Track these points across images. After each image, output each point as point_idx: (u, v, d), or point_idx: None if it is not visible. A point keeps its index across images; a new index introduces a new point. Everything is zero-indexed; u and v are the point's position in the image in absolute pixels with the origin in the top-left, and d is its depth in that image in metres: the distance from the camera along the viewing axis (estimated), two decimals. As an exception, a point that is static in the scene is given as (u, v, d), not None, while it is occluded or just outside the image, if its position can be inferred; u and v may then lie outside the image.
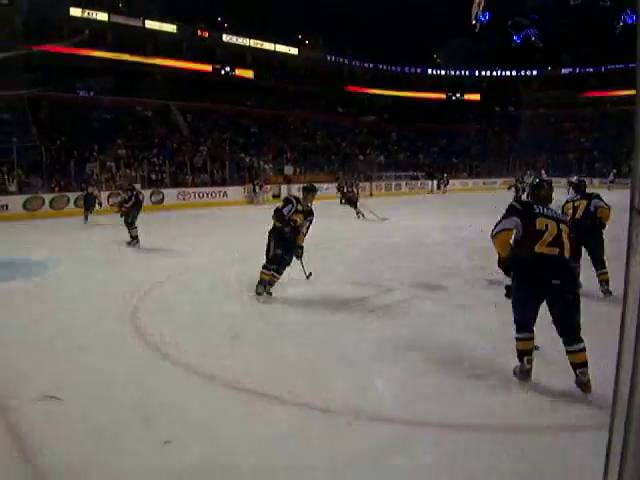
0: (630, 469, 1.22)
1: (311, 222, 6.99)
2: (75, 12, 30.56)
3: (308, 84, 40.61)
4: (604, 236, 6.53)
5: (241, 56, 39.04)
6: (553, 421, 3.59)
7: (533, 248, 3.87)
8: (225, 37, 38.00)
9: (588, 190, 6.86)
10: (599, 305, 6.04)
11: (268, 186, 25.92)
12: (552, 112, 46.46)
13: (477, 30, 38.58)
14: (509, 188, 21.64)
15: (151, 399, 3.95)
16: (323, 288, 7.41)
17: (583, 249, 6.41)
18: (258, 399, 3.94)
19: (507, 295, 4.52)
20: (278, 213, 6.72)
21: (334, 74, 44.34)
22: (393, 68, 48.85)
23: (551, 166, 38.52)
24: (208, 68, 36.55)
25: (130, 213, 11.33)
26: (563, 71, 49.23)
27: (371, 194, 29.96)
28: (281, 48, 41.24)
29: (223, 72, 37.63)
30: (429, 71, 50.87)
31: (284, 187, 26.46)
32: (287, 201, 6.93)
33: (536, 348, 4.17)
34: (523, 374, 4.08)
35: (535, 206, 4.05)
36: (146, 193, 20.96)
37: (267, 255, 6.79)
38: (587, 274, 6.49)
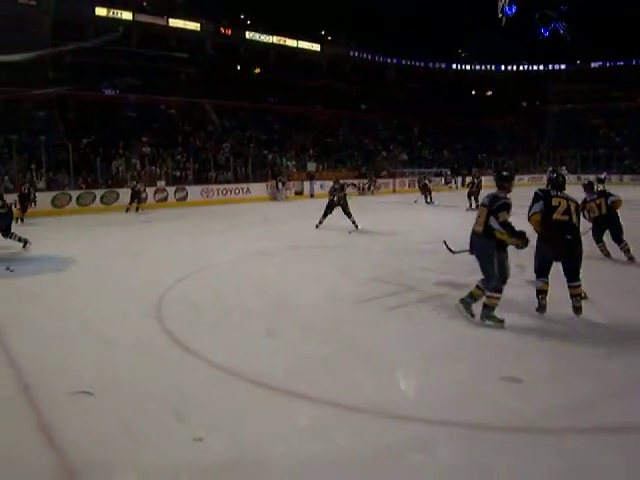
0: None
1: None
2: (100, 12, 30.98)
3: (331, 80, 40.38)
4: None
5: (264, 53, 39.07)
6: (578, 424, 3.55)
7: (551, 217, 5.60)
8: (248, 34, 38.08)
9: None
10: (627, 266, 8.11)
11: (291, 183, 25.92)
12: (581, 107, 45.49)
13: (503, 24, 37.85)
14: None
15: (176, 394, 3.96)
16: (348, 285, 7.36)
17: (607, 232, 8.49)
18: (282, 396, 3.94)
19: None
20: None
21: (357, 70, 44.07)
22: (417, 63, 48.30)
23: (580, 163, 38.23)
24: (231, 65, 36.65)
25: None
26: (592, 65, 48.20)
27: (394, 190, 29.82)
28: (304, 44, 41.16)
29: (246, 69, 37.73)
30: (453, 66, 50.18)
31: (307, 184, 26.46)
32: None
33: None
34: (541, 308, 5.73)
35: (551, 191, 5.81)
36: (170, 190, 21.46)
37: (500, 274, 5.37)
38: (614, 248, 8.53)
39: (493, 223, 5.25)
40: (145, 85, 31.02)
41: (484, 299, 5.43)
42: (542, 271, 5.77)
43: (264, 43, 39.08)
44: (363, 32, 41.35)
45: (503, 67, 50.38)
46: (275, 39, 39.47)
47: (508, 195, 5.46)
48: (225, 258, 9.44)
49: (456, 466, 3.09)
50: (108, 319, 5.90)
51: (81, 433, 3.44)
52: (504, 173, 5.86)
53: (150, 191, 20.87)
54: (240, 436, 3.38)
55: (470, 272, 7.57)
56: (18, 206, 16.04)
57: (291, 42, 40.38)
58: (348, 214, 12.53)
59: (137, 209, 18.35)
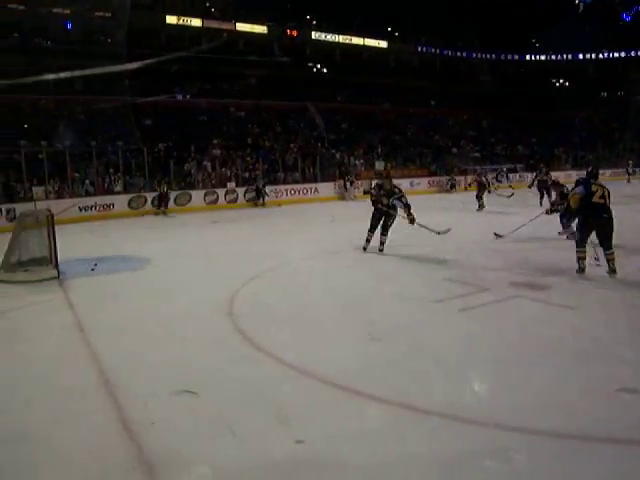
0: None
1: None
2: (171, 20, 31.95)
3: (399, 77, 39.80)
4: None
5: (330, 52, 39.04)
6: None
7: (591, 199, 7.16)
8: (314, 34, 38.17)
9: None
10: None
11: (359, 182, 25.68)
12: None
13: (581, 10, 35.98)
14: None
15: (244, 391, 4.02)
16: (418, 285, 7.26)
17: None
18: (353, 396, 3.92)
19: None
20: None
21: (425, 66, 43.26)
22: (488, 56, 46.64)
23: None
24: (298, 66, 36.86)
25: None
26: (680, 50, 44.81)
27: (466, 188, 29.06)
28: (370, 42, 40.77)
29: (313, 69, 37.88)
30: (527, 57, 48.21)
31: (375, 182, 26.05)
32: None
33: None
34: (580, 270, 7.38)
35: (590, 180, 7.39)
36: (240, 191, 21.78)
37: None
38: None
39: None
40: (215, 89, 31.71)
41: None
42: (582, 242, 7.41)
43: (330, 42, 39.00)
44: (430, 27, 40.50)
45: (581, 56, 47.44)
46: (341, 38, 39.31)
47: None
48: (294, 257, 9.49)
49: (530, 474, 3.01)
50: (183, 317, 6.05)
51: (159, 429, 3.52)
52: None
53: (221, 192, 21.29)
54: (311, 435, 3.38)
55: (544, 273, 7.61)
56: (156, 203, 19.06)
57: (357, 40, 40.10)
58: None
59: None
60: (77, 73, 23.34)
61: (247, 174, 23.93)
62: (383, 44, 41.54)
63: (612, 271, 7.12)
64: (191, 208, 19.65)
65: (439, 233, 9.22)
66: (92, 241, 12.60)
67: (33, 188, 18.07)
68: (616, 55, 46.79)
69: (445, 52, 45.04)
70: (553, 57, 48.11)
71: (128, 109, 25.50)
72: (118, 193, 19.69)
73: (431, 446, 3.28)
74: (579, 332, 5.15)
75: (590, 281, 7.18)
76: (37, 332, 5.74)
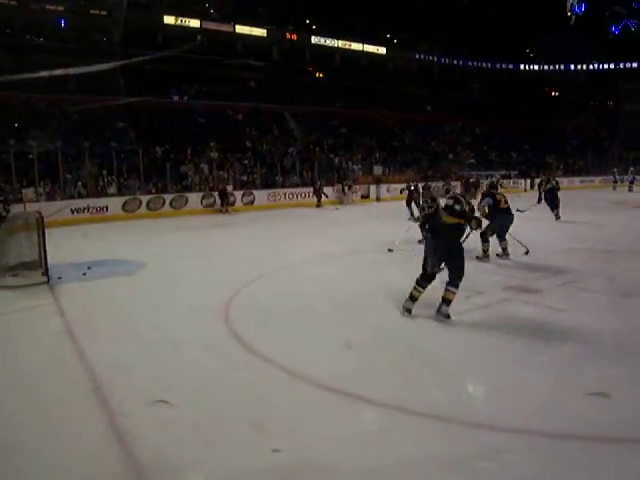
0: None
1: None
2: (169, 20, 31.50)
3: (397, 83, 39.72)
4: None
5: (330, 57, 38.83)
6: None
7: (499, 206, 9.02)
8: (314, 39, 37.93)
9: None
10: None
11: (357, 186, 25.40)
12: None
13: (572, 22, 36.37)
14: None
15: (241, 396, 4.01)
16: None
17: None
18: (348, 399, 3.94)
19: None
20: None
21: (423, 73, 43.24)
22: (484, 64, 47.10)
23: None
24: (297, 70, 36.59)
25: None
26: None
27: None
28: (369, 48, 40.69)
29: (312, 74, 37.68)
30: (522, 66, 48.73)
31: (373, 187, 25.90)
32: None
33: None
34: (505, 255, 9.28)
35: (493, 191, 9.42)
36: (238, 194, 21.29)
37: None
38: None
39: None
40: (213, 91, 31.29)
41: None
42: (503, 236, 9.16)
43: (330, 47, 38.86)
44: (428, 35, 40.64)
45: (572, 66, 48.55)
46: (340, 43, 39.18)
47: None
48: (292, 261, 9.41)
49: (527, 475, 3.04)
50: (178, 322, 5.98)
51: (150, 435, 3.47)
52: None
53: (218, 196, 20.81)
54: (307, 438, 3.39)
55: (536, 277, 7.91)
56: (218, 201, 19.99)
57: (356, 46, 40.02)
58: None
59: (226, 210, 19.68)
60: (70, 72, 22.81)
61: (245, 177, 23.48)
62: (382, 50, 41.51)
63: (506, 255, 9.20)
64: (188, 211, 19.15)
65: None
66: (85, 244, 12.32)
67: (23, 189, 17.47)
68: (606, 66, 47.85)
69: (442, 60, 45.34)
70: (546, 67, 48.97)
71: (123, 110, 24.98)
72: (112, 195, 19.14)
73: (425, 449, 3.29)
74: (571, 334, 5.25)
75: (580, 284, 7.36)
76: (26, 339, 5.57)
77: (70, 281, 8.12)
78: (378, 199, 25.37)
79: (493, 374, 4.41)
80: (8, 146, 19.23)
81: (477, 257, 8.98)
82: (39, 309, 6.64)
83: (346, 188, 24.03)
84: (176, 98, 31.09)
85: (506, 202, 9.17)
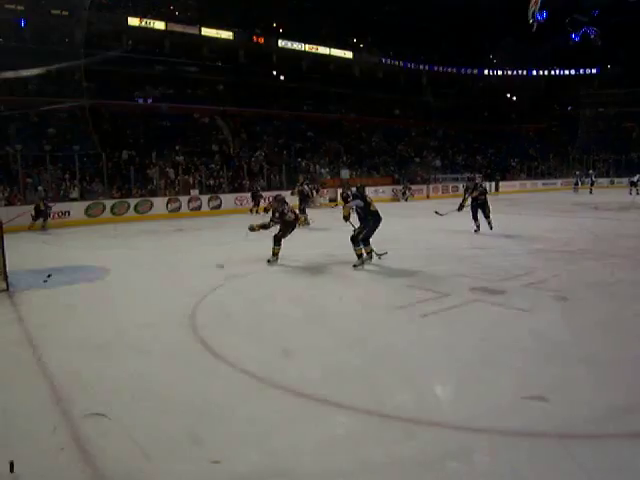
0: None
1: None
2: (133, 22, 30.94)
3: (364, 88, 39.94)
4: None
5: (296, 61, 38.83)
6: (619, 429, 3.47)
7: (370, 208, 8.93)
8: (280, 42, 37.85)
9: None
10: None
11: (324, 190, 25.44)
12: (613, 111, 44.74)
13: (534, 29, 37.04)
14: None
15: (208, 404, 3.94)
16: (382, 292, 7.33)
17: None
18: (316, 404, 3.90)
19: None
20: None
21: (389, 77, 43.60)
22: (449, 69, 47.80)
23: (613, 165, 38.53)
24: (264, 74, 36.49)
25: None
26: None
27: (428, 196, 29.28)
28: (336, 52, 40.78)
29: (279, 77, 37.63)
30: (485, 72, 49.67)
31: (340, 191, 25.96)
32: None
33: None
34: (361, 264, 8.88)
35: (364, 194, 9.18)
36: (204, 199, 21.07)
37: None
38: None
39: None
40: (178, 94, 30.94)
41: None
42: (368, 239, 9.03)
43: (296, 51, 38.79)
44: (395, 40, 40.96)
45: (534, 72, 49.85)
46: (307, 47, 39.16)
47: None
48: (259, 267, 9.26)
49: (493, 473, 3.05)
50: (142, 329, 5.83)
51: (112, 448, 3.36)
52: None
53: (184, 200, 20.54)
54: (272, 445, 3.35)
55: (505, 278, 7.80)
56: (252, 203, 20.32)
57: (323, 50, 40.01)
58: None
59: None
60: (30, 73, 22.26)
61: (211, 181, 23.27)
62: (349, 54, 41.66)
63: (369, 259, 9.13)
64: (152, 216, 18.84)
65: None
66: (46, 251, 12.07)
67: (-20, 194, 16.98)
68: (566, 72, 49.28)
69: (408, 65, 45.70)
70: (509, 72, 49.92)
71: (85, 112, 24.47)
72: (74, 200, 18.70)
73: (393, 451, 3.26)
74: (536, 334, 5.29)
75: (542, 285, 7.45)
76: None
77: (30, 288, 7.87)
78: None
79: (459, 375, 4.43)
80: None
81: (354, 265, 8.79)
82: None
83: (314, 192, 23.98)
84: (140, 101, 30.59)
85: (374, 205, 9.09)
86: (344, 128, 37.06)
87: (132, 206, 18.90)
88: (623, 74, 46.01)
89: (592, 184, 30.82)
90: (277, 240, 9.39)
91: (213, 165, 25.06)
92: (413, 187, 29.32)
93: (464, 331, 5.50)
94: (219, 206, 21.54)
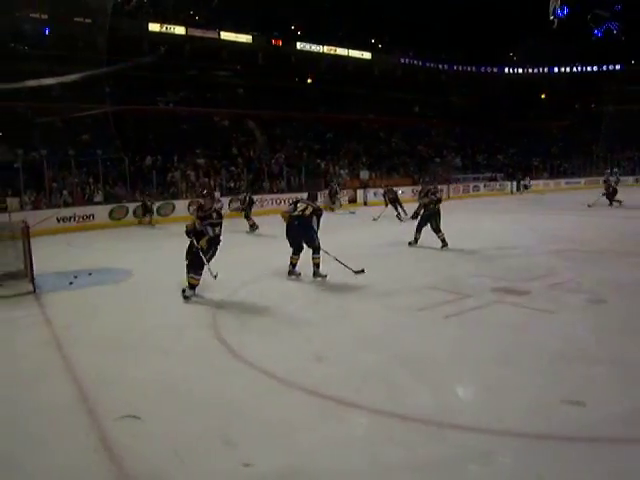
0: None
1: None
2: (154, 27, 31.35)
3: (383, 88, 39.85)
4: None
5: (315, 63, 38.92)
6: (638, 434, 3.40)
7: (293, 214, 8.39)
8: (299, 45, 37.99)
9: None
10: None
11: (344, 191, 25.49)
12: (637, 107, 43.44)
13: (555, 26, 36.87)
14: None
15: (231, 405, 3.96)
16: (403, 294, 7.25)
17: None
18: (337, 405, 3.90)
19: None
20: None
21: (408, 77, 43.42)
22: (469, 68, 47.38)
23: (638, 163, 37.76)
24: (283, 76, 36.63)
25: None
26: (649, 64, 46.01)
27: (449, 196, 29.06)
28: (354, 53, 40.78)
29: (298, 80, 37.76)
30: (506, 70, 49.09)
31: (360, 192, 26.01)
32: None
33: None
34: (293, 273, 8.51)
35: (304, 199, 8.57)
36: (224, 201, 21.22)
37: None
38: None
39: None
40: (198, 98, 31.21)
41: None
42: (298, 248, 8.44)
43: (315, 53, 38.86)
44: (414, 39, 40.75)
45: (556, 69, 48.97)
46: (326, 49, 39.23)
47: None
48: (280, 268, 9.19)
49: (517, 477, 3.02)
50: (165, 331, 5.93)
51: (137, 448, 3.41)
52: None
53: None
54: (293, 446, 3.37)
55: (523, 279, 7.72)
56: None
57: (342, 51, 40.04)
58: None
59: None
60: (55, 79, 22.66)
61: (232, 184, 23.46)
62: (367, 55, 41.58)
63: (315, 274, 8.28)
64: (175, 218, 19.07)
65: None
66: (71, 253, 12.29)
67: (7, 199, 17.32)
68: (589, 69, 48.24)
69: (427, 64, 45.40)
70: (530, 70, 49.16)
71: (108, 117, 24.84)
72: (98, 203, 19.05)
73: (413, 453, 3.25)
74: (559, 336, 5.25)
75: (567, 285, 7.40)
76: (12, 350, 5.52)
77: (56, 290, 8.07)
78: (365, 203, 25.51)
79: (482, 376, 4.40)
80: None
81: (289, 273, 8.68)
82: (25, 319, 6.59)
83: (338, 188, 24.10)
84: (162, 105, 30.95)
85: (301, 212, 8.38)
86: (363, 129, 36.98)
87: (155, 209, 19.14)
88: (647, 70, 45.30)
89: (617, 182, 30.37)
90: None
91: (234, 168, 25.26)
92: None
93: (487, 333, 5.46)
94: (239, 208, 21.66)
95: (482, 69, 48.16)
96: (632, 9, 37.73)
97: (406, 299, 6.91)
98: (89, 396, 4.17)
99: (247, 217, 15.97)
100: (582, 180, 35.17)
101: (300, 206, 8.42)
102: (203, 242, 7.22)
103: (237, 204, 17.60)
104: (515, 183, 32.34)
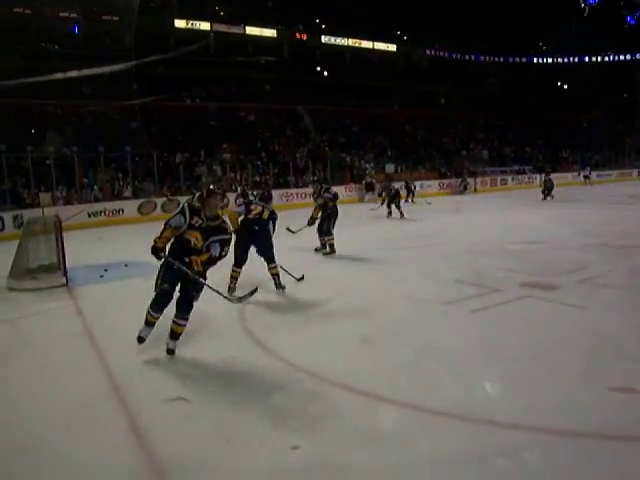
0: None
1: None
2: (180, 23, 31.75)
3: (408, 80, 39.55)
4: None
5: (340, 56, 38.84)
6: None
7: (249, 216, 7.24)
8: (324, 38, 37.97)
9: None
10: None
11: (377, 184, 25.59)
12: None
13: (586, 14, 36.10)
14: None
15: (260, 397, 3.99)
16: (430, 287, 7.19)
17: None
18: (364, 398, 3.91)
19: None
20: None
21: (434, 69, 43.02)
22: (496, 59, 46.67)
23: None
24: (308, 70, 36.67)
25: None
26: (684, 52, 44.61)
27: (475, 190, 28.78)
28: (379, 45, 40.63)
29: (323, 73, 37.76)
30: (535, 60, 48.20)
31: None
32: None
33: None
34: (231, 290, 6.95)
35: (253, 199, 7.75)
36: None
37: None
38: None
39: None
40: (224, 93, 31.45)
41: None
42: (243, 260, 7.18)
43: (340, 46, 38.87)
44: (439, 30, 40.36)
45: (587, 58, 47.74)
46: (351, 42, 39.18)
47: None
48: (304, 261, 9.24)
49: (543, 473, 2.99)
50: (194, 323, 5.80)
51: (171, 436, 3.47)
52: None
53: (232, 197, 20.95)
54: (325, 438, 3.38)
55: (553, 273, 7.60)
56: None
57: (367, 44, 39.99)
58: None
59: None
60: (84, 77, 23.08)
61: (258, 178, 23.64)
62: (392, 47, 41.45)
63: (278, 286, 7.26)
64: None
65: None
66: (101, 247, 12.51)
67: (40, 194, 17.79)
68: (621, 57, 47.03)
69: (453, 55, 45.03)
70: (559, 60, 48.26)
71: (136, 113, 25.25)
72: (127, 198, 19.42)
73: (442, 447, 3.25)
74: (589, 331, 5.18)
75: (598, 280, 7.27)
76: (46, 340, 5.66)
77: (88, 283, 8.26)
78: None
79: (510, 371, 4.35)
80: (26, 152, 19.55)
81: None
82: (58, 311, 6.75)
83: (372, 181, 24.58)
84: (188, 101, 31.29)
85: (258, 215, 7.28)
86: (388, 122, 36.71)
87: (181, 203, 19.39)
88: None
89: None
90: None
91: (259, 162, 25.43)
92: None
93: (515, 327, 5.41)
94: (266, 202, 21.86)
95: (510, 59, 47.36)
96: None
97: (433, 293, 6.85)
98: (121, 385, 4.27)
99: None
100: (614, 172, 34.39)
101: (255, 208, 7.35)
102: (198, 263, 4.89)
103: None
104: (544, 175, 31.75)
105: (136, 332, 5.22)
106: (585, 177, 31.01)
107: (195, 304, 5.06)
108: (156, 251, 4.84)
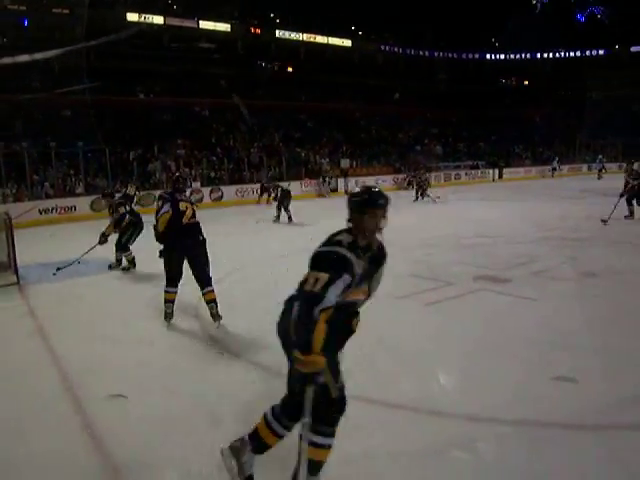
0: None
1: None
2: (132, 17, 31.30)
3: (363, 76, 39.93)
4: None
5: (295, 51, 38.93)
6: (628, 420, 3.44)
7: (180, 221, 5.60)
8: (278, 33, 37.98)
9: None
10: None
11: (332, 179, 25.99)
12: (621, 93, 43.12)
13: (538, 10, 37.07)
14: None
15: (212, 394, 4.00)
16: (385, 281, 7.05)
17: None
18: None
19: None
20: None
21: (389, 64, 43.54)
22: (450, 55, 47.51)
23: (622, 151, 36.65)
24: (263, 65, 36.68)
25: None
26: (633, 49, 45.94)
27: (429, 185, 29.19)
28: (334, 41, 40.84)
29: (277, 68, 37.77)
30: (487, 56, 49.21)
31: (341, 180, 26.28)
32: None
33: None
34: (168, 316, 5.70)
35: (176, 194, 5.81)
36: (205, 191, 21.48)
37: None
38: None
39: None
40: (178, 87, 31.22)
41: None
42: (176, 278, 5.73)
43: (294, 41, 38.92)
44: (393, 26, 40.85)
45: (539, 55, 48.94)
46: (305, 37, 39.28)
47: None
48: (262, 258, 9.32)
49: (497, 464, 3.04)
50: (149, 320, 5.94)
51: (125, 434, 3.47)
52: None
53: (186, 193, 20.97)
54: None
55: (505, 266, 7.77)
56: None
57: (321, 39, 40.15)
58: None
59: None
60: (34, 71, 22.63)
61: (212, 174, 23.68)
62: (347, 43, 41.68)
63: (215, 316, 5.63)
64: (155, 209, 19.23)
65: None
66: (53, 245, 12.28)
67: (-11, 191, 17.49)
68: (572, 54, 48.03)
69: (408, 51, 45.50)
70: (512, 56, 49.13)
71: (88, 108, 24.86)
72: (79, 195, 19.19)
73: (397, 440, 3.26)
74: (542, 323, 5.25)
75: (549, 273, 7.37)
76: None
77: (40, 282, 8.13)
78: (346, 192, 25.66)
79: (465, 364, 4.39)
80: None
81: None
82: (9, 310, 6.64)
83: (330, 179, 25.09)
84: (142, 95, 30.94)
85: (193, 217, 5.86)
86: (343, 117, 37.03)
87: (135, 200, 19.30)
88: (631, 55, 45.09)
89: (600, 170, 30.50)
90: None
91: (214, 157, 25.44)
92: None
93: (469, 320, 5.46)
94: (220, 198, 21.97)
95: (463, 55, 48.27)
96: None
97: (387, 286, 6.81)
98: (74, 384, 4.25)
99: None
100: (565, 167, 35.29)
101: (184, 206, 5.76)
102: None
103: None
104: (497, 171, 32.56)
105: (90, 330, 5.33)
106: (553, 169, 31.96)
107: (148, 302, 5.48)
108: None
